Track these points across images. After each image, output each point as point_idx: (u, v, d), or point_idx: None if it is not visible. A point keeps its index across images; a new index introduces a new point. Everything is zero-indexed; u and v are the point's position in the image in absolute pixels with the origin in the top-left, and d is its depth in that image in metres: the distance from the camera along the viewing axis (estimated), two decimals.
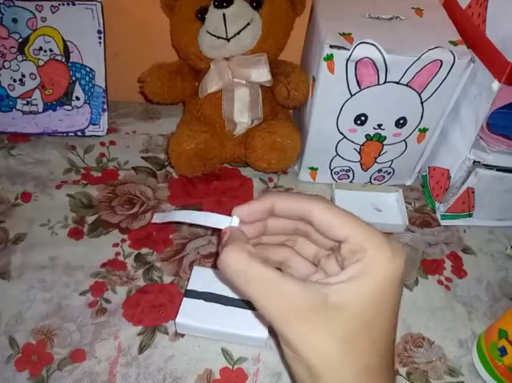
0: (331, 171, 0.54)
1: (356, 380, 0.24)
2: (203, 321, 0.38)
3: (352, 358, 0.24)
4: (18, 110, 0.58)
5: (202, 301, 0.39)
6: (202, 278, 0.41)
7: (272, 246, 0.33)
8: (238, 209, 0.30)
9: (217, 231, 0.49)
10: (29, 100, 0.57)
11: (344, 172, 0.54)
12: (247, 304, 0.39)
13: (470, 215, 0.52)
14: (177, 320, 0.38)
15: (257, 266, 0.26)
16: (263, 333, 0.38)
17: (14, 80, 0.56)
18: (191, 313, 0.39)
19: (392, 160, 0.53)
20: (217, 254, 0.47)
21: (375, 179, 0.56)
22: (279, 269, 0.34)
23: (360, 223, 0.27)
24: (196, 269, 0.42)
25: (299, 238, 0.31)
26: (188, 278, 0.41)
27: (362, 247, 0.26)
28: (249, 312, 0.39)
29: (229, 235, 0.29)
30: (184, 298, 0.40)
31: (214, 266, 0.43)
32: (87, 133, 0.58)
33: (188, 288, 0.40)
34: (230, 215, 0.30)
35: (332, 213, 0.28)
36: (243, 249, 0.27)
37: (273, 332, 0.40)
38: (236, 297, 0.40)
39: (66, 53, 0.56)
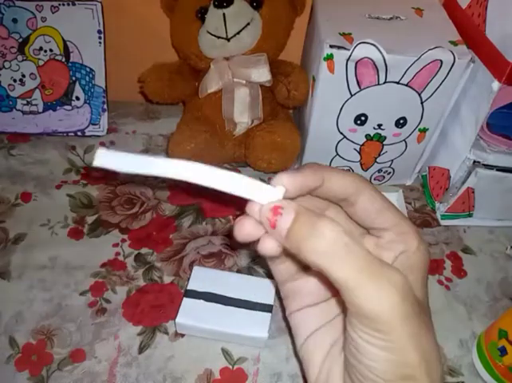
0: None
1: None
2: (203, 321, 0.38)
3: (439, 357, 0.24)
4: (18, 110, 0.58)
5: (202, 301, 0.39)
6: (202, 278, 0.41)
7: None
8: (284, 178, 0.24)
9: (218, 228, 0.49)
10: (29, 100, 0.57)
11: None
12: (247, 304, 0.39)
13: (470, 215, 0.52)
14: (177, 320, 0.38)
15: (360, 247, 0.22)
16: (263, 333, 0.38)
17: (14, 80, 0.57)
18: (191, 313, 0.39)
19: (392, 160, 0.53)
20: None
21: (375, 179, 0.56)
22: None
23: (401, 215, 0.26)
24: (196, 269, 0.42)
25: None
26: (188, 278, 0.41)
27: (406, 238, 0.26)
28: (249, 312, 0.39)
29: (298, 211, 0.23)
30: (184, 298, 0.40)
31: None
32: (87, 133, 0.58)
33: (188, 288, 0.40)
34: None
35: (380, 203, 0.26)
36: (339, 226, 0.23)
37: (274, 331, 0.40)
38: (236, 297, 0.40)
39: (66, 53, 0.56)
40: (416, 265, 0.26)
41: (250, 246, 0.47)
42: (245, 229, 0.25)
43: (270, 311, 0.39)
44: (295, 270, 0.29)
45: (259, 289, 0.40)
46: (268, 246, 0.24)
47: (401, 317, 0.22)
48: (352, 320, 0.23)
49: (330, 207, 0.28)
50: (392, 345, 0.22)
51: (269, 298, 0.40)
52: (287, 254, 0.26)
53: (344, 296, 0.22)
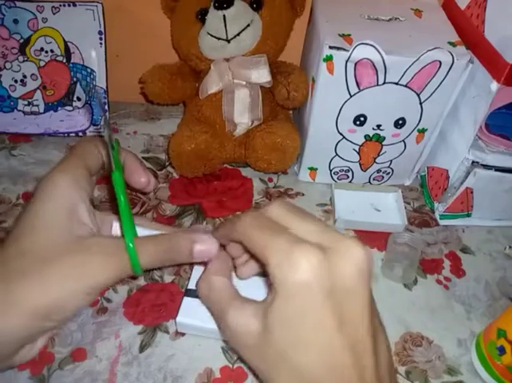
0: (330, 171, 0.54)
1: None
2: (203, 321, 0.38)
3: None
4: (20, 111, 0.58)
5: None
6: None
7: None
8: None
9: None
10: (30, 100, 0.58)
11: (343, 172, 0.55)
12: None
13: (468, 215, 0.53)
14: (177, 319, 0.39)
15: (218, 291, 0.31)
16: None
17: (16, 81, 0.57)
18: (191, 313, 0.39)
19: (391, 161, 0.53)
20: None
21: (374, 179, 0.56)
22: None
23: (265, 240, 0.26)
24: (196, 268, 0.42)
25: None
26: (189, 278, 0.41)
27: (269, 270, 0.25)
28: None
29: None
30: (185, 297, 0.40)
31: None
32: (88, 134, 0.58)
33: (189, 287, 0.40)
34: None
35: (244, 234, 0.28)
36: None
37: None
38: None
39: (67, 53, 0.56)
40: (278, 295, 0.26)
41: None
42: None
43: None
44: None
45: (258, 288, 0.40)
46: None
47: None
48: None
49: None
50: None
51: None
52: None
53: None
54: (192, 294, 0.40)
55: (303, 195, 0.54)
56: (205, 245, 0.33)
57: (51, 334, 0.35)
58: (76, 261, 0.29)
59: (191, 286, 0.40)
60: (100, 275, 0.29)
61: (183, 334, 0.41)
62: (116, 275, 0.30)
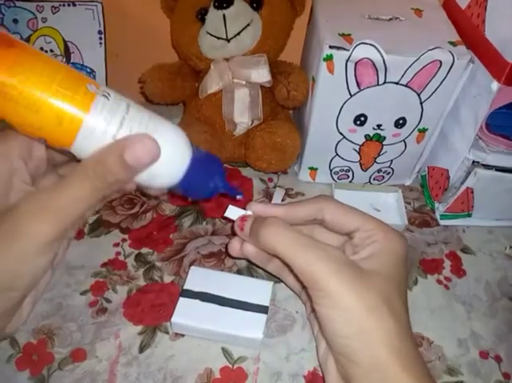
0: (331, 171, 0.54)
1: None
2: (199, 321, 0.38)
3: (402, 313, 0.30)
4: None
5: (197, 301, 0.39)
6: (199, 278, 0.41)
7: None
8: (253, 205, 0.35)
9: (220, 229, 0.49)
10: None
11: (343, 172, 0.54)
12: (243, 305, 0.39)
13: (469, 215, 0.53)
14: (172, 319, 0.38)
15: (293, 230, 0.31)
16: (258, 334, 0.38)
17: None
18: (186, 313, 0.39)
19: (392, 160, 0.53)
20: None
21: (374, 179, 0.56)
22: None
23: (366, 215, 0.33)
24: (193, 269, 0.42)
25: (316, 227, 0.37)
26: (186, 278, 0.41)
27: (374, 233, 0.31)
28: (244, 313, 0.39)
29: (255, 217, 0.34)
30: (180, 298, 0.39)
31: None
32: None
33: (184, 288, 0.40)
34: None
35: (343, 210, 0.33)
36: (283, 223, 0.32)
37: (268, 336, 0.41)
38: (232, 297, 0.40)
39: (67, 53, 0.56)
40: (385, 250, 0.30)
41: None
42: (234, 246, 0.38)
43: (266, 312, 0.39)
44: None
45: (255, 290, 0.40)
46: (246, 249, 0.36)
47: (335, 275, 0.28)
48: (308, 292, 0.29)
49: (315, 228, 0.37)
50: (334, 301, 0.28)
51: (265, 299, 0.40)
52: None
53: (291, 267, 0.30)
54: (188, 294, 0.40)
55: (303, 195, 0.54)
56: (137, 147, 0.27)
57: (34, 299, 0.35)
58: (4, 229, 0.28)
59: (187, 286, 0.40)
60: (34, 233, 0.28)
61: (182, 335, 0.41)
62: (55, 231, 0.28)
